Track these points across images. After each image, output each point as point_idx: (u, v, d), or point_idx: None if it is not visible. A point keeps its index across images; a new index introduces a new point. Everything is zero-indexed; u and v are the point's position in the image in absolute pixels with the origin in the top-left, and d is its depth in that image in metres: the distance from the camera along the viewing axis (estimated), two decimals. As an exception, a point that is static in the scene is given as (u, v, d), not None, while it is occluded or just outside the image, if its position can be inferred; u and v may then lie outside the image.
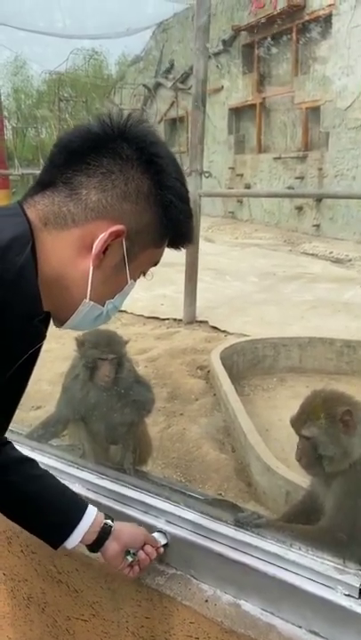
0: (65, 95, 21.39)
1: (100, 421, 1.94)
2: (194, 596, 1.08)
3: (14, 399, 0.91)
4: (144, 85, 21.26)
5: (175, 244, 0.89)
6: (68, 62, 23.07)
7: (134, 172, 0.80)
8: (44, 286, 0.79)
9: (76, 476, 1.34)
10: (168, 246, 0.90)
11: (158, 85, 20.75)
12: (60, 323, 0.88)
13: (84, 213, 0.79)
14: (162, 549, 1.13)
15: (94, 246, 0.79)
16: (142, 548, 1.09)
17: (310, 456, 1.45)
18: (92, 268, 0.80)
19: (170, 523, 1.16)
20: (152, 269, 0.91)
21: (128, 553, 1.08)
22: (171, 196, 0.83)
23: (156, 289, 6.42)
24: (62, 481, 1.34)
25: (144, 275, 0.90)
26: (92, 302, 0.83)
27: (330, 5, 12.46)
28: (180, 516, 1.15)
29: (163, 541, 1.13)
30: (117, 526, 1.09)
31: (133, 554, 1.08)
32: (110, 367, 1.83)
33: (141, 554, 1.08)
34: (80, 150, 0.80)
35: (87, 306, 0.84)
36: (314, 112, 13.68)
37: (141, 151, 0.81)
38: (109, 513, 1.12)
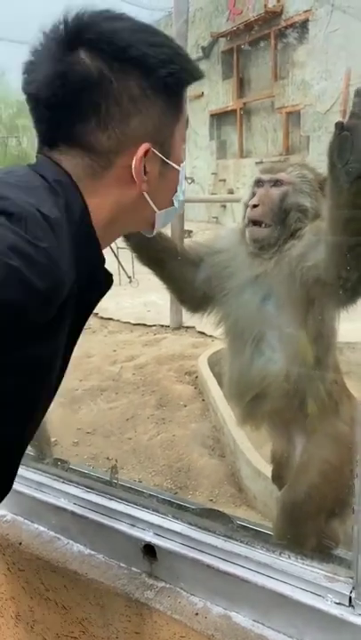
0: (46, 104, 21.36)
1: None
2: (184, 609, 1.06)
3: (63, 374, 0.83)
4: (125, 93, 21.32)
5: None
6: (48, 71, 23.02)
7: (115, 86, 0.73)
8: (106, 228, 0.79)
9: (61, 491, 1.31)
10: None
11: (139, 93, 20.82)
12: (148, 233, 0.91)
13: (107, 158, 0.76)
14: None
15: (135, 177, 0.78)
16: None
17: (274, 207, 1.33)
18: (145, 194, 0.81)
19: (158, 535, 1.14)
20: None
21: None
22: (160, 72, 0.75)
23: (143, 296, 6.39)
24: (48, 496, 1.33)
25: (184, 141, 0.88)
26: (162, 210, 0.86)
27: (306, 11, 12.59)
28: (168, 529, 1.14)
29: None
30: None
31: None
32: None
33: None
34: (53, 101, 0.74)
35: (161, 214, 0.86)
36: (294, 116, 13.78)
37: (106, 57, 0.72)
38: (96, 527, 1.10)
